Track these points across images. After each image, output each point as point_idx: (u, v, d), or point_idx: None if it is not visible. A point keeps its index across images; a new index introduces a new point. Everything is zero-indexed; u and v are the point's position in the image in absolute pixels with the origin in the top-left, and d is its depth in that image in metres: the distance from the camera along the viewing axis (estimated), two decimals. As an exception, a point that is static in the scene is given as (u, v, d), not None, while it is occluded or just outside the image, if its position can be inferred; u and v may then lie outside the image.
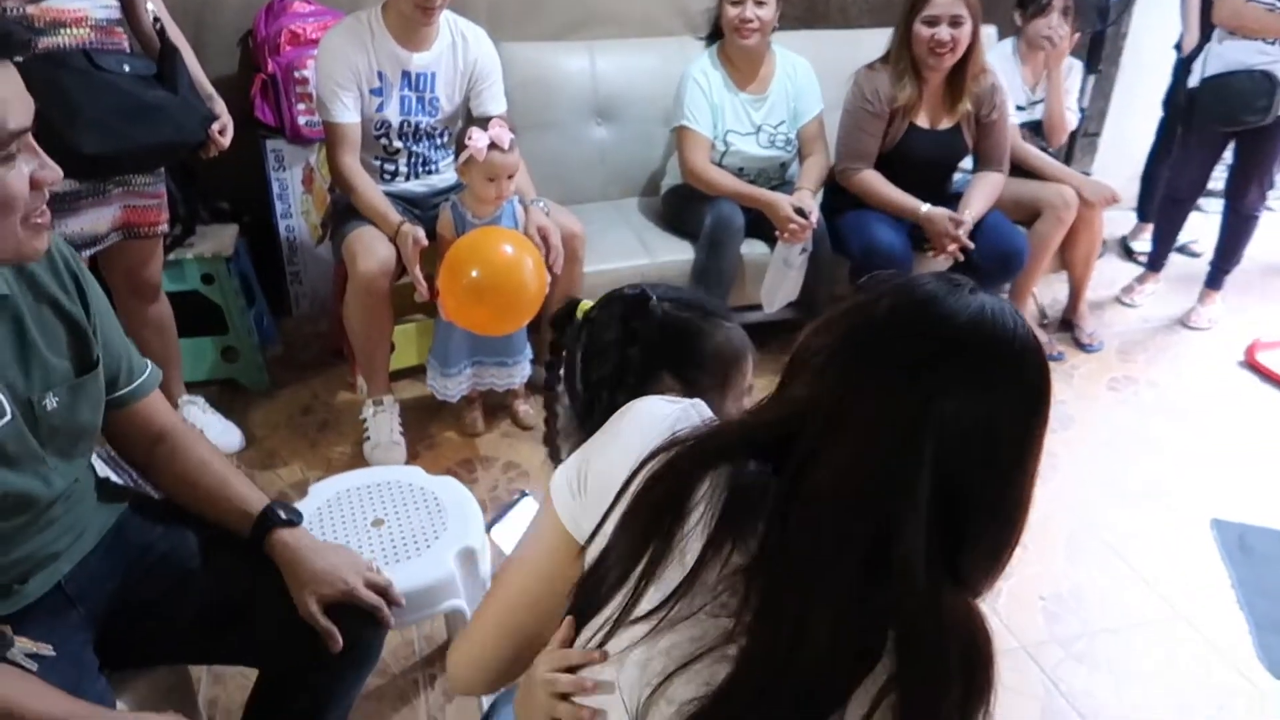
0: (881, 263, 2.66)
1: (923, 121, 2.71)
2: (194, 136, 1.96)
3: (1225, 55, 2.91)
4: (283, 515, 1.25)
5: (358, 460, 2.35)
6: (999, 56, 2.98)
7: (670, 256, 2.68)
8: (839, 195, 2.81)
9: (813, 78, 2.79)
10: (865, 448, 0.68)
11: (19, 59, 0.96)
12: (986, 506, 0.69)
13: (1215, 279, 3.29)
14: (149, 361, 1.30)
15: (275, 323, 2.84)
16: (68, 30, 1.78)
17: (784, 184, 2.83)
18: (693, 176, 2.68)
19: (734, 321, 1.16)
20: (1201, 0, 3.18)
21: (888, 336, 0.70)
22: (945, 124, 2.73)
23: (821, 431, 0.69)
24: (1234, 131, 3.01)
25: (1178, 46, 3.40)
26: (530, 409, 2.54)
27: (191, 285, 2.44)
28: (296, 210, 2.74)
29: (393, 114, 2.31)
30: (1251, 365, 3.03)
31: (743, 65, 2.70)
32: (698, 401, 0.85)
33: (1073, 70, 3.07)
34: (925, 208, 2.66)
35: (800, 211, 2.57)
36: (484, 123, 2.26)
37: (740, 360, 1.13)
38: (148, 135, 1.86)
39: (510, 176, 2.21)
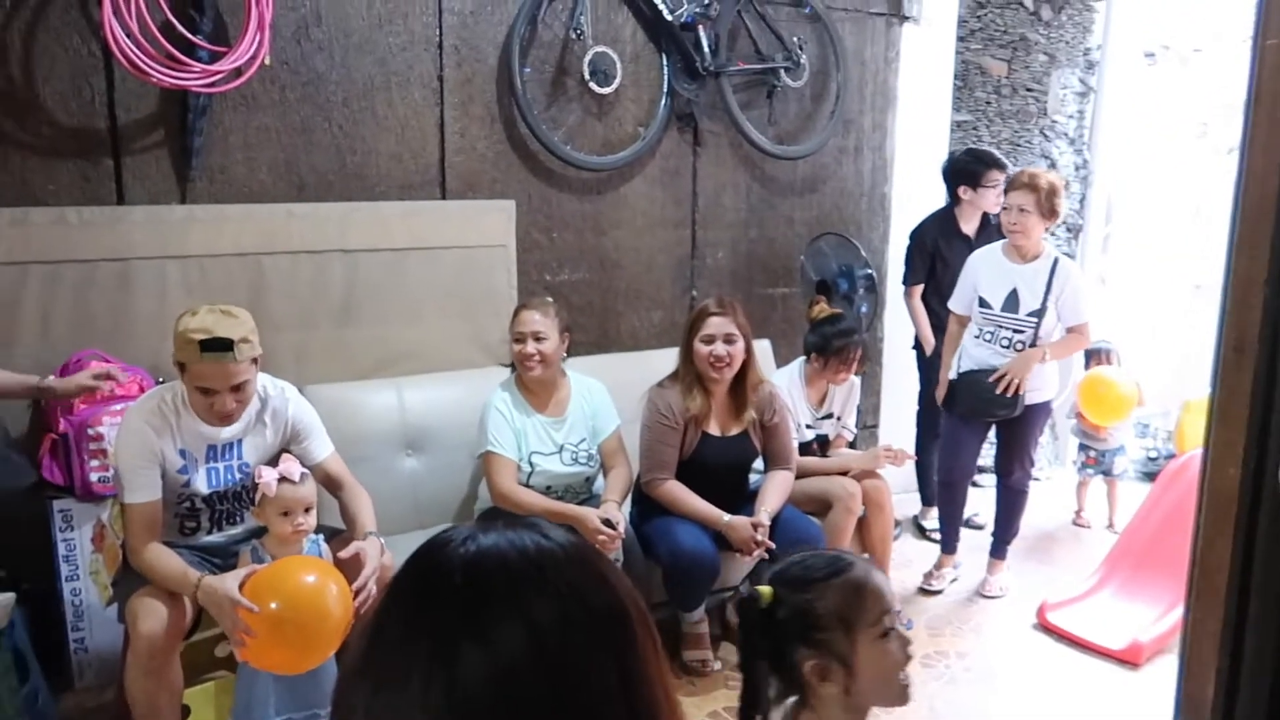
0: (689, 565, 2.78)
1: (714, 430, 2.95)
2: (13, 490, 1.96)
3: (973, 354, 3.39)
4: None
5: None
6: (786, 378, 3.33)
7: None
8: (645, 503, 2.95)
9: (606, 397, 3.02)
10: None
11: None
12: None
13: (998, 549, 3.58)
14: None
15: (53, 699, 2.57)
16: None
17: (591, 497, 2.96)
18: (501, 499, 2.76)
19: (844, 573, 1.30)
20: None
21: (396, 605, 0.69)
22: (735, 430, 2.98)
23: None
24: (989, 421, 3.41)
25: (916, 347, 3.94)
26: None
27: (-46, 666, 2.22)
28: (84, 571, 2.60)
29: (200, 486, 2.29)
30: (1044, 626, 3.24)
31: (538, 391, 2.90)
32: None
33: (854, 389, 3.46)
34: (727, 518, 2.82)
35: (608, 523, 2.67)
36: (273, 461, 2.29)
37: (856, 602, 1.27)
38: None
39: (307, 510, 2.22)
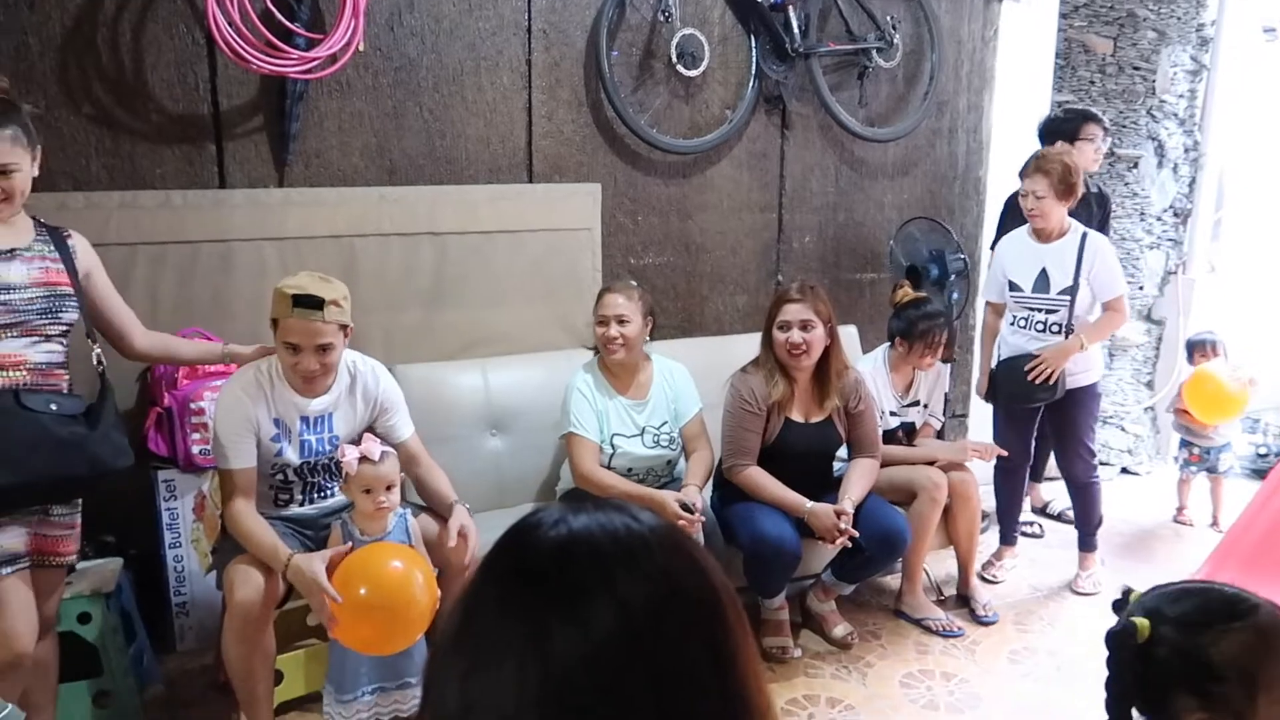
0: (770, 552, 2.75)
1: (797, 416, 2.91)
2: (110, 468, 2.06)
3: (1010, 341, 3.32)
4: None
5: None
6: (870, 365, 3.27)
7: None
8: (727, 488, 2.93)
9: (689, 380, 3.01)
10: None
11: None
12: None
13: (1084, 542, 3.46)
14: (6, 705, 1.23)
15: (157, 660, 2.71)
16: (4, 374, 1.97)
17: (672, 480, 2.95)
18: (583, 480, 2.78)
19: (1249, 617, 1.09)
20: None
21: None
22: (818, 417, 2.94)
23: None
24: (1034, 407, 3.30)
25: None
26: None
27: (66, 626, 2.35)
28: (186, 539, 2.72)
29: (292, 456, 2.36)
30: (1140, 626, 3.11)
31: (621, 373, 2.91)
32: None
33: (941, 376, 3.38)
34: (809, 505, 2.78)
35: (687, 507, 2.67)
36: (356, 441, 2.35)
37: (1265, 658, 1.06)
38: (50, 467, 1.96)
39: (389, 487, 2.27)
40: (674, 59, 3.38)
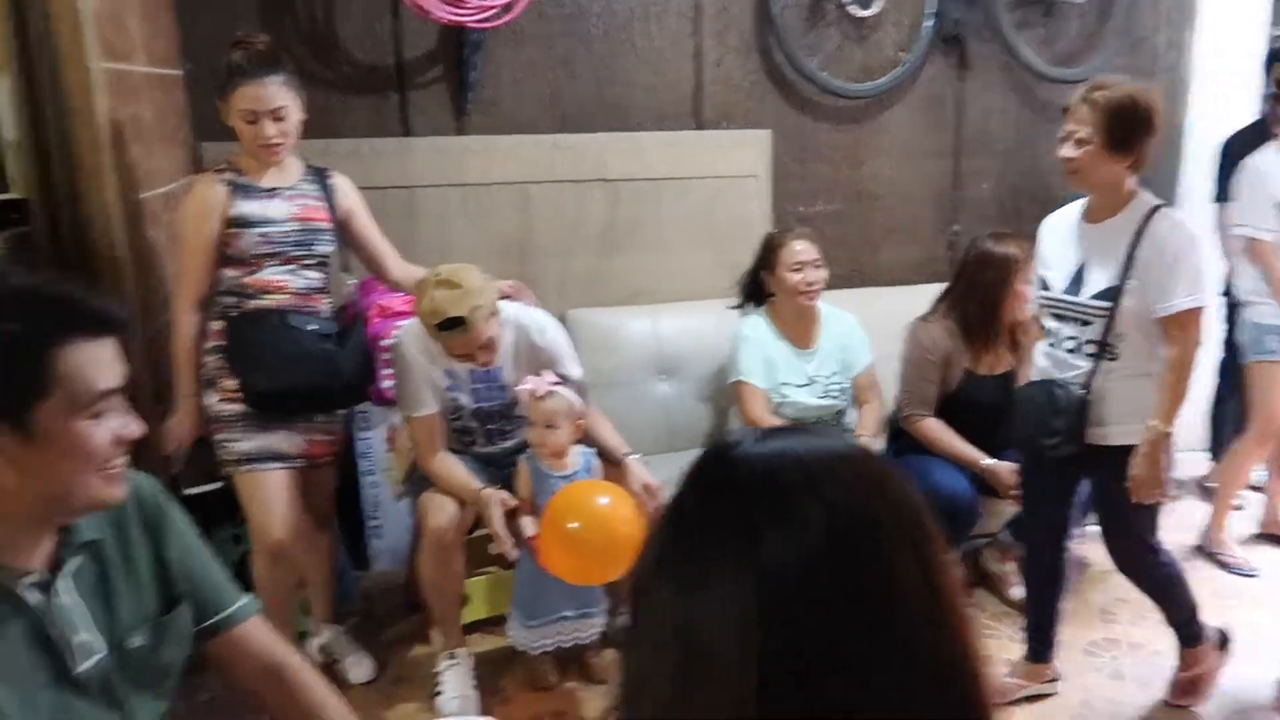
0: (946, 506, 2.65)
1: (980, 368, 2.80)
2: (354, 382, 2.33)
3: (1036, 361, 2.36)
4: None
5: (430, 715, 2.32)
6: None
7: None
8: (901, 439, 2.86)
9: (860, 330, 2.95)
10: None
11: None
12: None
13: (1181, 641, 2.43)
14: (248, 594, 1.34)
15: (355, 578, 2.89)
16: (270, 296, 2.23)
17: (843, 432, 2.90)
18: (752, 427, 2.77)
19: None
20: None
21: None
22: (1000, 369, 2.82)
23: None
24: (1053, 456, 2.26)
25: (1225, 291, 3.38)
26: (604, 662, 2.51)
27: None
28: (379, 467, 2.88)
29: (468, 403, 2.45)
30: None
31: (793, 322, 2.87)
32: None
33: None
34: (987, 461, 2.67)
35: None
36: None
37: None
38: (305, 377, 2.21)
39: (572, 420, 2.31)
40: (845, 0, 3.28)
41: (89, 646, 1.10)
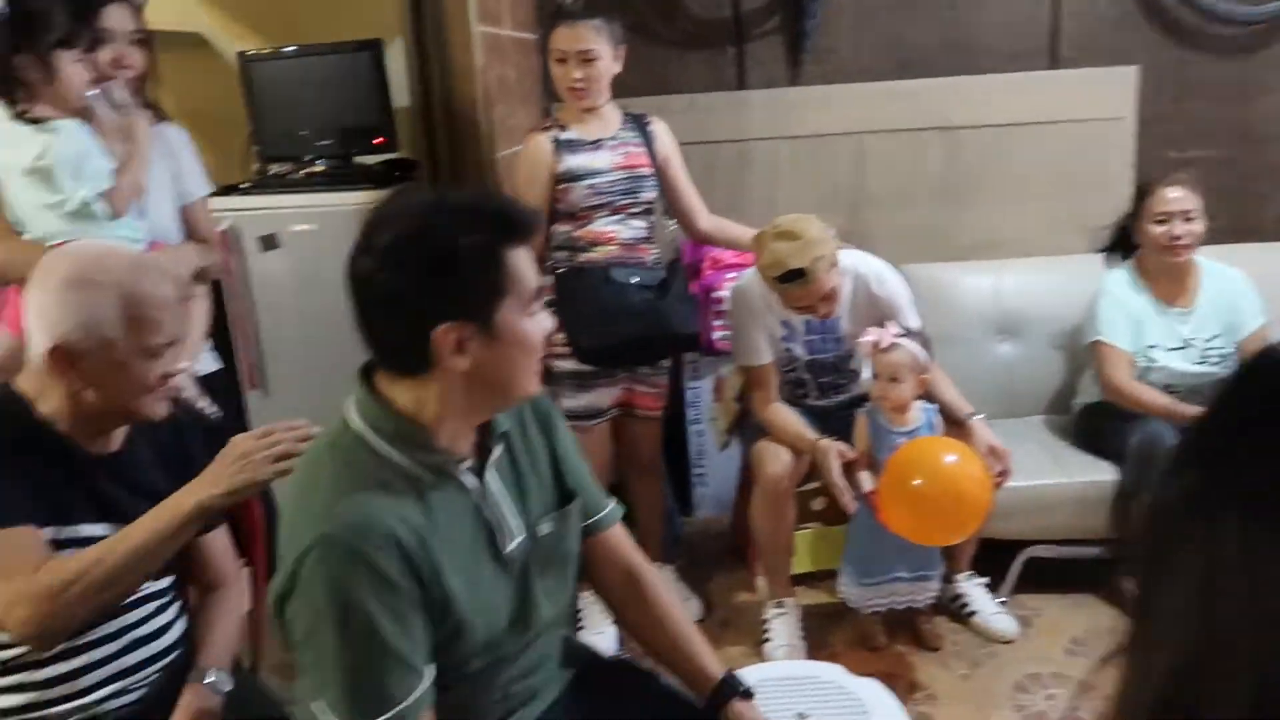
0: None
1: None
2: (675, 332, 2.36)
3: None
4: (742, 686, 1.26)
5: (757, 660, 2.33)
6: None
7: (1089, 476, 2.48)
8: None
9: (1249, 289, 2.57)
10: None
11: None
12: None
13: None
14: (612, 499, 1.41)
15: (680, 522, 2.99)
16: (600, 248, 2.31)
17: (1223, 403, 2.55)
18: (1115, 393, 2.51)
19: None
20: None
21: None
22: None
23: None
24: None
25: None
26: (936, 629, 2.42)
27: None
28: (705, 417, 2.94)
29: (801, 353, 2.42)
30: None
31: (1165, 278, 2.55)
32: None
33: None
34: None
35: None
36: None
37: None
38: (626, 331, 2.27)
39: (916, 374, 2.21)
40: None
41: (513, 529, 1.21)
